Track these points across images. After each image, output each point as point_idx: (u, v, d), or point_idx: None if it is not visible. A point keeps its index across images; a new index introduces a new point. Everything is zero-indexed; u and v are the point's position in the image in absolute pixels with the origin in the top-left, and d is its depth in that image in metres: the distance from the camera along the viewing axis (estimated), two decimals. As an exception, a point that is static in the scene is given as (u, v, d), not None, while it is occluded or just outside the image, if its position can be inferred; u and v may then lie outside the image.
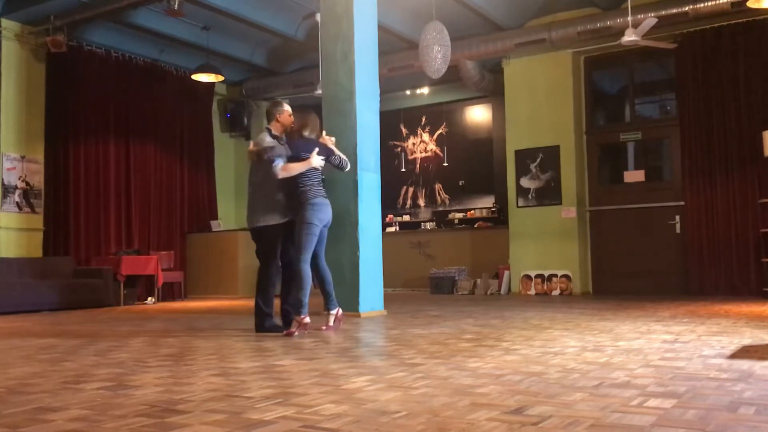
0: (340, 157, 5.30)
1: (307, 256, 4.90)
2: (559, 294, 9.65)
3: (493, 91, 11.21)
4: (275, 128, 5.21)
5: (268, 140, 5.12)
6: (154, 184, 10.67)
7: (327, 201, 5.08)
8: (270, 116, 5.25)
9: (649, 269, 9.42)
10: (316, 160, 4.98)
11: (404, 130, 13.10)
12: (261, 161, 5.04)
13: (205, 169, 11.65)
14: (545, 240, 9.91)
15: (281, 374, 3.10)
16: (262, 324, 5.10)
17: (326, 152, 5.16)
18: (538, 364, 3.24)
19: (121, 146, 10.23)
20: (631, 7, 8.01)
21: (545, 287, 9.84)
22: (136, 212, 10.33)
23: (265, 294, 5.12)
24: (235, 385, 2.82)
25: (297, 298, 4.85)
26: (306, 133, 5.09)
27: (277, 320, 5.18)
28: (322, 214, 4.97)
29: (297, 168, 4.94)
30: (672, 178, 9.50)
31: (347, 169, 5.49)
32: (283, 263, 5.15)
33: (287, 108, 5.27)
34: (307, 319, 4.83)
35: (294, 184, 4.98)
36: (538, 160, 10.09)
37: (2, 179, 9.03)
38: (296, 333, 4.78)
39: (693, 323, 5.13)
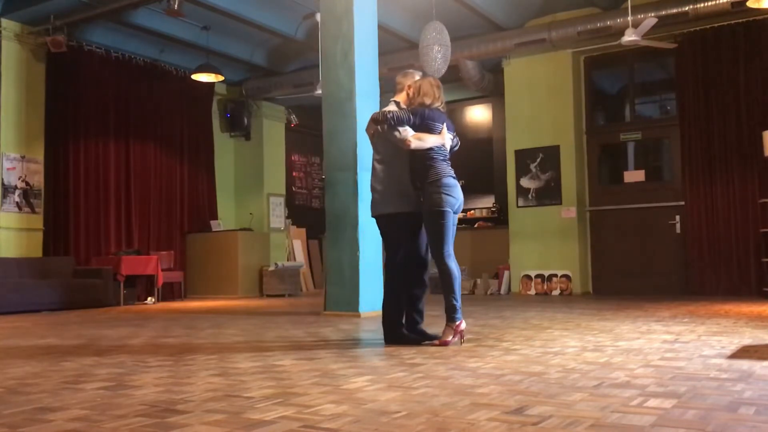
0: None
1: (449, 249, 4.14)
2: (559, 294, 9.65)
3: (493, 91, 11.21)
4: (403, 100, 4.42)
5: (393, 110, 4.30)
6: (154, 184, 10.67)
7: (457, 182, 4.20)
8: (399, 87, 4.49)
9: (649, 269, 9.42)
10: (448, 136, 4.21)
11: (404, 130, 13.09)
12: (384, 135, 4.22)
13: (205, 169, 11.64)
14: (545, 240, 9.91)
15: (281, 374, 3.10)
16: (392, 333, 4.33)
17: (452, 127, 4.36)
18: (538, 364, 3.24)
19: (121, 146, 10.22)
20: (631, 7, 8.01)
21: (545, 287, 9.83)
22: (136, 212, 10.32)
23: (391, 298, 4.36)
24: (235, 385, 2.82)
25: (448, 301, 4.14)
26: (428, 102, 4.24)
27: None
28: (452, 198, 4.12)
29: (431, 139, 4.12)
30: (672, 178, 9.50)
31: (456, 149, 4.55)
32: (413, 263, 4.37)
33: (418, 77, 4.48)
34: (463, 325, 4.12)
35: (420, 160, 4.16)
36: (538, 160, 10.09)
37: (2, 179, 9.03)
38: (453, 340, 4.10)
39: (693, 323, 5.13)
